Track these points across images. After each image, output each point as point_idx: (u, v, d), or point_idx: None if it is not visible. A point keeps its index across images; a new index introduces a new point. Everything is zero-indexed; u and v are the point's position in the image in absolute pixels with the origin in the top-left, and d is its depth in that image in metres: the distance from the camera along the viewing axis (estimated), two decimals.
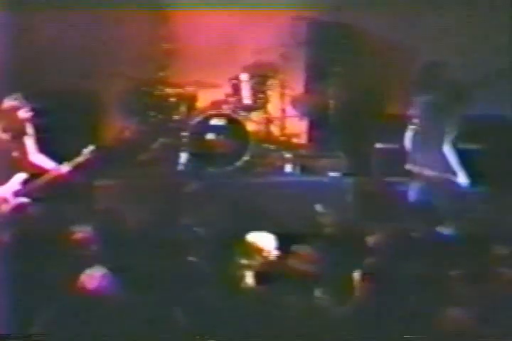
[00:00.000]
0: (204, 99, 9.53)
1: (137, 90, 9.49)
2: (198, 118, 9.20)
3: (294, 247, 6.04)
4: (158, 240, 6.26)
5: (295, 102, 9.58)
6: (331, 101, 9.48)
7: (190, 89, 9.45)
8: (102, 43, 9.33)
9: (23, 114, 7.65)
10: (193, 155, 9.15)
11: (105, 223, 6.58)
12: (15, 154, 7.64)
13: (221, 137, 9.14)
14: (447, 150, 8.20)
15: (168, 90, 9.44)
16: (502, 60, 9.17)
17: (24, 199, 7.49)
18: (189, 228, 6.85)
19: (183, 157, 9.19)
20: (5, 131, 7.62)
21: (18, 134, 7.68)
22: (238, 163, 9.10)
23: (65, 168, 7.65)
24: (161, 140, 9.36)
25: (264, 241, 6.14)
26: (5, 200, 7.48)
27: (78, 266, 5.50)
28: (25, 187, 7.54)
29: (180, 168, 9.20)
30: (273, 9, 9.30)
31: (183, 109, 9.43)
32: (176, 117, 9.43)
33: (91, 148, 7.71)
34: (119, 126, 9.63)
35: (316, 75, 9.68)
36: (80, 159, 7.67)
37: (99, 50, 9.34)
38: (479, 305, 5.23)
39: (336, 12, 9.41)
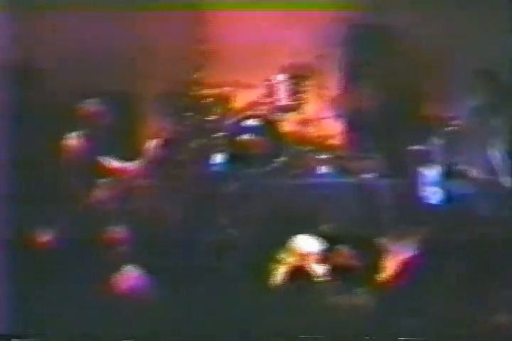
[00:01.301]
0: (240, 99, 9.54)
1: (174, 91, 9.52)
2: (234, 119, 9.21)
3: (334, 247, 6.04)
4: (194, 241, 6.28)
5: (331, 103, 9.56)
6: (368, 102, 9.46)
7: (226, 90, 9.46)
8: (138, 44, 9.36)
9: (102, 117, 7.75)
10: (229, 156, 9.16)
11: (141, 223, 6.60)
12: (96, 158, 7.75)
13: (257, 138, 9.15)
14: (492, 152, 8.14)
15: (205, 91, 9.46)
16: None
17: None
18: (225, 229, 6.86)
19: (219, 158, 9.20)
20: (87, 135, 7.77)
21: (99, 138, 7.80)
22: (274, 164, 9.09)
23: (133, 166, 7.81)
24: (197, 140, 9.38)
25: (307, 244, 6.15)
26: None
27: (112, 265, 5.52)
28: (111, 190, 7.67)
29: (216, 168, 9.21)
30: (310, 10, 9.29)
31: (219, 109, 9.45)
32: (212, 118, 9.45)
33: (154, 141, 7.85)
34: (155, 127, 9.66)
35: (353, 76, 9.65)
36: (146, 157, 7.83)
37: (135, 51, 9.37)
38: None
39: (373, 13, 9.37)
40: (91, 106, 7.86)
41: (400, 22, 9.44)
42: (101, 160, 7.72)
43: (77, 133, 7.77)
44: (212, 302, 5.35)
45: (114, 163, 7.80)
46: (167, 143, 8.02)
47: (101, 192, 7.61)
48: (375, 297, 5.53)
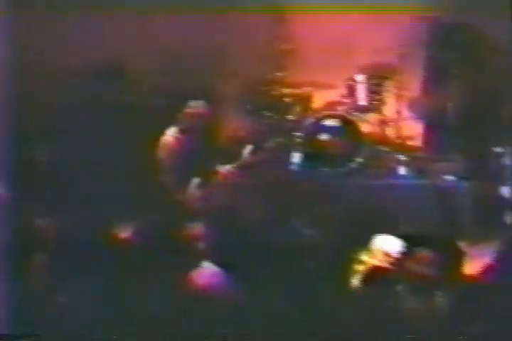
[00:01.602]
0: (319, 99, 9.52)
1: (254, 90, 9.55)
2: (312, 119, 9.19)
3: (414, 249, 5.98)
4: (271, 240, 6.29)
5: (412, 104, 9.47)
6: (449, 104, 9.34)
7: (306, 90, 9.45)
8: (220, 43, 9.41)
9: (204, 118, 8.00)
10: (307, 156, 9.15)
11: (219, 221, 6.64)
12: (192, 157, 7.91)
13: (335, 138, 9.11)
14: None
15: (284, 90, 9.47)
16: None
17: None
18: (301, 228, 6.85)
19: (297, 157, 9.20)
20: (186, 133, 7.93)
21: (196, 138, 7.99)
22: (352, 164, 9.05)
23: (228, 169, 7.99)
24: (276, 139, 9.39)
25: (388, 245, 6.11)
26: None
27: (190, 262, 5.56)
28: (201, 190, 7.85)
29: (293, 167, 9.20)
30: (391, 9, 9.22)
31: (298, 109, 9.44)
32: (290, 117, 9.45)
33: (250, 147, 7.96)
34: (234, 126, 9.70)
35: (434, 77, 9.54)
36: (243, 160, 8.08)
37: (217, 50, 9.42)
38: None
39: (457, 12, 9.25)
40: (195, 107, 8.08)
41: (485, 22, 9.31)
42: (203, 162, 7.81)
43: (175, 131, 7.91)
44: (288, 303, 5.35)
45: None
46: (260, 149, 8.12)
47: (192, 190, 7.72)
48: (453, 301, 5.46)
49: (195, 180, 7.92)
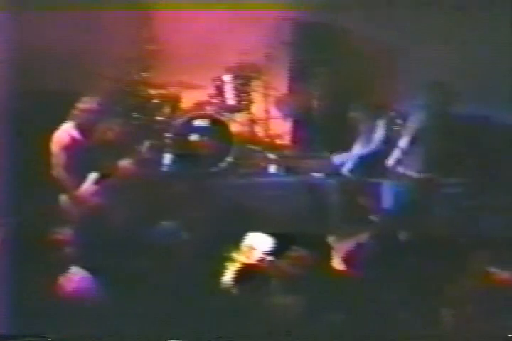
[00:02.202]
0: (188, 100, 9.52)
1: (121, 91, 9.46)
2: (181, 120, 9.18)
3: (284, 247, 6.05)
4: (141, 242, 6.25)
5: (279, 103, 9.58)
6: (315, 102, 9.50)
7: (173, 90, 9.44)
8: (84, 44, 9.28)
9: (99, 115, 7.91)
10: (177, 157, 9.14)
11: (86, 224, 6.56)
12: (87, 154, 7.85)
13: (205, 138, 9.13)
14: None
15: (152, 91, 9.43)
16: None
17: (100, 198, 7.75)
18: (173, 229, 6.84)
19: (167, 158, 9.17)
20: (80, 129, 7.85)
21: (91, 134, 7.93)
22: (222, 164, 9.09)
23: (128, 164, 7.99)
24: (145, 141, 9.34)
25: (259, 242, 6.15)
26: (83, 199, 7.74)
27: (57, 267, 5.48)
28: (99, 186, 7.82)
29: (164, 169, 9.18)
30: (257, 9, 9.30)
31: (166, 110, 9.42)
32: (159, 118, 9.41)
33: (147, 144, 7.91)
34: (102, 128, 9.59)
35: (300, 76, 9.68)
36: (142, 156, 8.12)
37: (81, 52, 9.29)
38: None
39: (320, 12, 9.41)
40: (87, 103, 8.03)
41: (349, 22, 9.50)
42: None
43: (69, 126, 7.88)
44: (159, 304, 5.33)
45: None
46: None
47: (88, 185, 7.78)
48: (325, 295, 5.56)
49: (93, 175, 7.84)
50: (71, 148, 7.81)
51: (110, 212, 7.50)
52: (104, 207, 7.69)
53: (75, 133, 7.90)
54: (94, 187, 7.77)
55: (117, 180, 7.89)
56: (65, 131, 7.92)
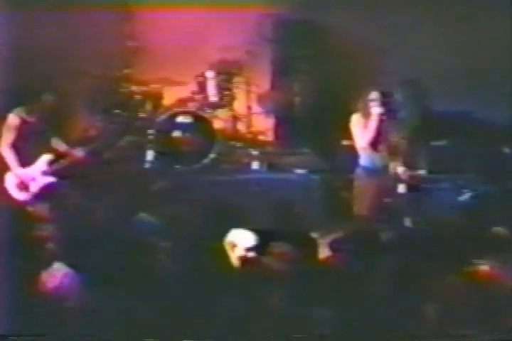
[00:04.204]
0: (170, 96, 9.51)
1: (102, 88, 9.45)
2: (163, 116, 9.17)
3: (267, 243, 6.05)
4: (122, 239, 6.24)
5: (261, 99, 9.59)
6: (297, 98, 9.52)
7: (155, 87, 9.42)
8: (65, 41, 9.26)
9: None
10: (160, 153, 9.13)
11: (68, 221, 6.55)
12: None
13: (187, 135, 9.13)
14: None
15: (134, 88, 9.41)
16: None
17: (52, 179, 8.00)
18: (155, 226, 6.82)
19: (150, 155, 9.16)
20: (29, 114, 8.04)
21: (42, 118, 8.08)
22: (205, 161, 9.09)
23: (80, 152, 8.09)
24: (127, 138, 9.32)
25: (241, 239, 6.15)
26: (33, 179, 8.01)
27: (39, 264, 5.46)
28: (50, 167, 8.03)
29: (146, 165, 9.17)
30: (239, 6, 9.30)
31: (148, 106, 9.40)
32: (141, 115, 9.40)
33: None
34: (84, 124, 9.58)
35: (282, 72, 9.70)
36: (95, 144, 8.26)
37: (62, 48, 9.26)
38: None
39: (302, 9, 9.43)
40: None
41: (330, 19, 9.52)
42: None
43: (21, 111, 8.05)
44: (141, 302, 5.33)
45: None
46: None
47: (39, 166, 8.03)
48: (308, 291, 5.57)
49: (45, 157, 7.96)
50: (19, 128, 8.00)
51: (91, 208, 7.50)
52: (86, 204, 7.72)
53: (26, 117, 8.00)
54: (46, 168, 7.94)
55: (68, 165, 8.08)
56: (17, 114, 8.06)
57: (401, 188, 7.82)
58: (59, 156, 8.11)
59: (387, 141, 7.76)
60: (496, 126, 9.10)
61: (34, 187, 8.04)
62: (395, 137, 7.76)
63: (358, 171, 7.90)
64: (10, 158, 8.03)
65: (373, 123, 7.70)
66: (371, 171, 7.82)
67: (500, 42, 9.14)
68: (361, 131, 7.76)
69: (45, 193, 7.98)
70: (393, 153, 7.77)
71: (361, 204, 7.78)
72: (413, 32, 9.40)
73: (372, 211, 7.63)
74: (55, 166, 8.07)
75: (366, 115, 7.74)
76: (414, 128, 8.25)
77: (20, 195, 8.00)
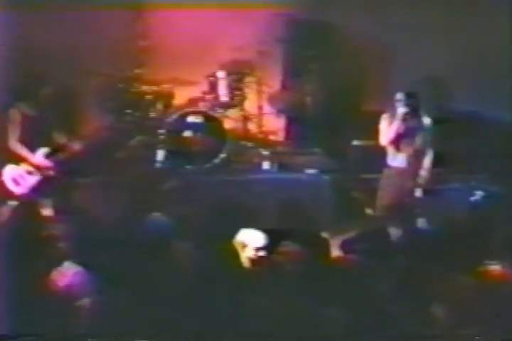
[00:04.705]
0: (181, 96, 9.52)
1: (113, 88, 9.46)
2: (174, 116, 9.18)
3: (278, 243, 6.04)
4: (134, 238, 6.24)
5: (272, 99, 9.60)
6: (308, 98, 9.52)
7: (166, 87, 9.43)
8: (77, 41, 9.28)
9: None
10: (170, 153, 9.14)
11: (79, 220, 6.55)
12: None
13: (198, 134, 9.13)
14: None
15: (145, 87, 9.42)
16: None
17: (51, 173, 7.93)
18: (167, 225, 6.82)
19: (160, 154, 9.17)
20: (30, 108, 8.00)
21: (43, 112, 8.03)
22: (215, 161, 9.09)
23: (77, 145, 8.01)
24: (138, 137, 9.34)
25: (251, 238, 6.14)
26: (30, 173, 7.95)
27: (50, 263, 5.47)
28: (48, 160, 7.96)
29: (157, 165, 9.18)
30: (250, 6, 9.30)
31: (159, 106, 9.41)
32: (152, 115, 9.41)
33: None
34: (95, 124, 9.59)
35: (293, 72, 9.70)
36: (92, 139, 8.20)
37: (75, 48, 9.28)
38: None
39: (313, 9, 9.43)
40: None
41: (342, 19, 9.51)
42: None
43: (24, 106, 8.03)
44: (152, 301, 5.33)
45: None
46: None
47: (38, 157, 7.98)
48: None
49: (43, 150, 7.97)
50: (21, 122, 7.97)
51: (103, 208, 7.50)
52: (95, 204, 7.72)
53: (27, 111, 8.00)
54: (44, 161, 7.92)
55: (66, 158, 8.02)
56: (19, 109, 8.04)
57: (418, 192, 7.91)
58: (57, 149, 8.04)
59: (411, 141, 7.89)
60: (508, 125, 9.08)
61: (30, 181, 7.97)
62: (419, 138, 7.88)
63: (384, 170, 8.04)
64: (22, 152, 7.96)
65: (396, 122, 7.82)
66: (395, 170, 7.96)
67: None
68: (385, 129, 7.92)
69: (41, 187, 7.92)
70: (417, 154, 7.90)
71: (382, 201, 7.92)
72: (424, 31, 9.39)
73: (389, 209, 7.71)
74: (52, 159, 7.99)
75: (394, 115, 7.91)
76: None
77: (17, 189, 7.94)
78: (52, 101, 8.10)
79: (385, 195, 7.95)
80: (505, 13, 9.11)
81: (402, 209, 7.70)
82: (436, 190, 8.18)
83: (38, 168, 7.95)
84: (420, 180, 7.92)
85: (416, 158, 7.92)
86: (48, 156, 8.00)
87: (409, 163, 7.93)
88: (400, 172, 7.95)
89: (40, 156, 7.98)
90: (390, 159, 8.01)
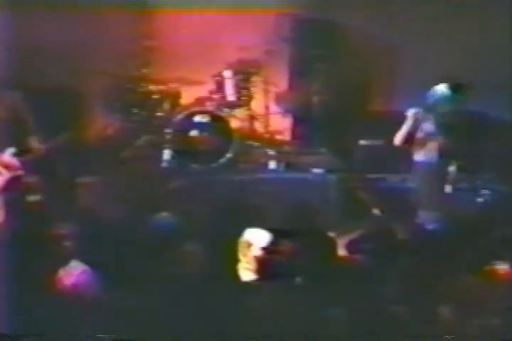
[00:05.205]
0: (187, 95, 9.53)
1: (120, 87, 9.48)
2: (181, 115, 9.19)
3: (284, 243, 6.04)
4: (141, 237, 6.25)
5: (279, 99, 9.60)
6: (315, 98, 9.51)
7: (173, 86, 9.44)
8: (84, 40, 9.29)
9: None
10: (177, 152, 9.15)
11: (86, 220, 6.56)
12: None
13: (205, 134, 9.14)
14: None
15: (152, 87, 9.44)
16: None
17: (19, 172, 7.67)
18: (174, 225, 6.83)
19: (167, 154, 9.18)
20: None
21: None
22: (222, 160, 9.10)
23: (42, 146, 7.84)
24: (145, 137, 9.36)
25: (257, 238, 6.14)
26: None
27: (56, 262, 5.48)
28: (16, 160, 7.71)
29: (164, 164, 9.19)
30: (257, 6, 9.30)
31: (166, 105, 9.43)
32: (159, 114, 9.42)
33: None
34: (102, 124, 9.61)
35: (300, 72, 9.70)
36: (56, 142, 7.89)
37: (81, 48, 9.30)
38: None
39: (320, 9, 9.43)
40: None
41: (348, 19, 9.51)
42: None
43: None
44: (159, 300, 5.33)
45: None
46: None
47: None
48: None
49: (10, 149, 7.93)
50: None
51: (109, 207, 7.51)
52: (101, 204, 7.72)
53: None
54: (12, 160, 7.88)
55: (31, 159, 7.84)
56: None
57: (448, 188, 7.89)
58: (24, 150, 7.84)
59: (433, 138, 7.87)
60: None
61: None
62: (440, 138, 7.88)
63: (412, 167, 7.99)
64: None
65: (407, 122, 7.80)
66: (422, 166, 7.90)
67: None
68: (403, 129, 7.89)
69: (9, 186, 7.91)
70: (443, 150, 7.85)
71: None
72: (431, 31, 9.38)
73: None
74: (19, 159, 7.71)
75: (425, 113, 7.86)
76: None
77: None
78: (21, 105, 8.03)
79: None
80: (505, 13, 9.11)
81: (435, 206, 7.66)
82: (464, 187, 8.17)
83: (7, 167, 7.89)
84: (449, 177, 7.90)
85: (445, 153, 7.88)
86: (15, 156, 7.93)
87: (436, 160, 7.88)
88: (428, 169, 7.86)
89: (8, 156, 7.92)
90: (417, 156, 7.90)
